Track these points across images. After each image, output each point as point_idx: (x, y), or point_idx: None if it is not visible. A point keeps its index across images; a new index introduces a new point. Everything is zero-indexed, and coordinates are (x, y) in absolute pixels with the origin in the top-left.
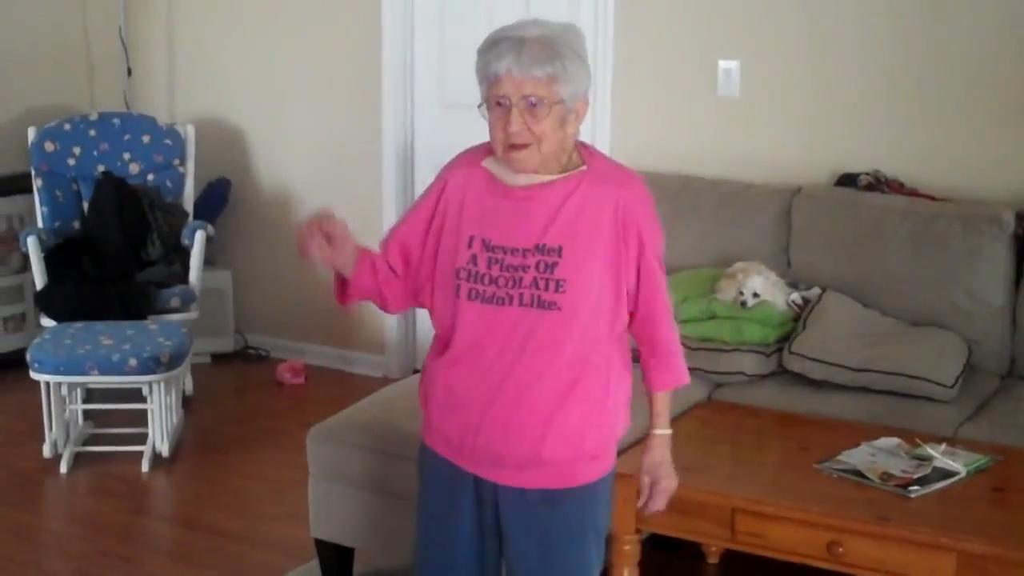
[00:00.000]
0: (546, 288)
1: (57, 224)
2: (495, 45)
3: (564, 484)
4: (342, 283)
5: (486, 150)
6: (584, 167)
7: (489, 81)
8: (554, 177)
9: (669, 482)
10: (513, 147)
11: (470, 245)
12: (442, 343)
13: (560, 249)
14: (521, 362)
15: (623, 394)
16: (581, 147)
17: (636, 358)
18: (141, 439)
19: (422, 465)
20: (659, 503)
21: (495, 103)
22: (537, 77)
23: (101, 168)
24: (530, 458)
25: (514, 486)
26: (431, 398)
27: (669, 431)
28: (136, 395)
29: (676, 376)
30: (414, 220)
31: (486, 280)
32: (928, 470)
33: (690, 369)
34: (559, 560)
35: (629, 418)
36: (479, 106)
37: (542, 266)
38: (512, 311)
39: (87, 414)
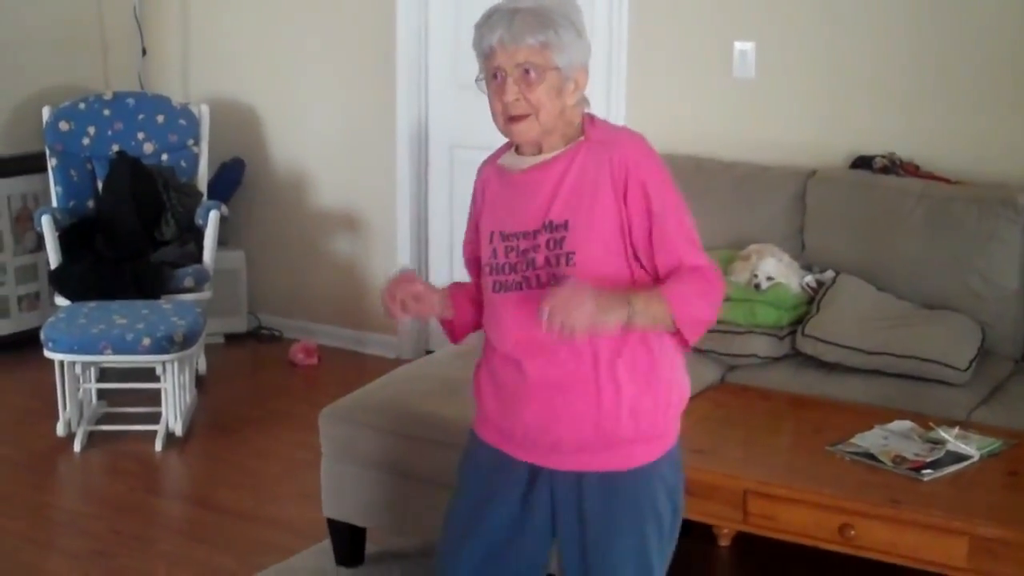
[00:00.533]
0: (558, 264)
1: (71, 204)
2: (488, 18)
3: (622, 466)
4: (449, 325)
5: (505, 148)
6: (582, 138)
7: (484, 54)
8: (553, 154)
9: (572, 296)
10: (512, 119)
11: (491, 240)
12: (488, 338)
13: (566, 223)
14: (553, 343)
15: (675, 365)
16: (587, 120)
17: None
18: (154, 418)
19: (468, 453)
20: (549, 308)
21: (492, 75)
22: (530, 45)
23: (115, 148)
24: (585, 440)
25: (571, 470)
26: (483, 390)
27: (623, 311)
28: (149, 374)
29: (669, 290)
30: (471, 231)
31: (506, 269)
32: (941, 454)
33: (703, 351)
34: (617, 547)
35: (688, 389)
36: (477, 80)
37: (551, 243)
38: (532, 293)
39: (101, 393)
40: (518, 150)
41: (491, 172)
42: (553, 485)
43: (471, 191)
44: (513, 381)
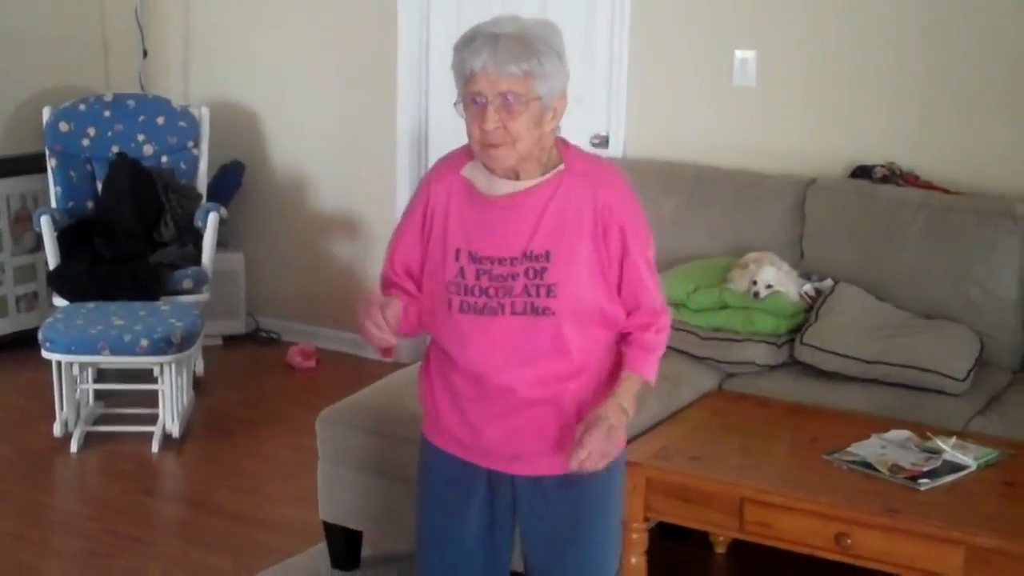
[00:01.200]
0: (537, 294)
1: (71, 204)
2: (470, 42)
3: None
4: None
5: (465, 156)
6: (562, 167)
7: (465, 78)
8: (534, 182)
9: (605, 442)
10: (488, 145)
11: (457, 258)
12: (442, 350)
13: (548, 254)
14: (523, 368)
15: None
16: (561, 145)
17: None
18: (151, 420)
19: (427, 464)
20: (587, 454)
21: (471, 100)
22: (513, 73)
23: (115, 149)
24: (546, 449)
25: (532, 474)
26: (438, 401)
27: (628, 407)
28: (147, 376)
29: (641, 367)
30: (409, 239)
31: (476, 292)
32: (938, 463)
33: (701, 358)
34: (582, 539)
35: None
36: (455, 104)
37: (531, 272)
38: (505, 320)
39: (98, 394)
40: (488, 169)
41: (455, 185)
42: (515, 488)
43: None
44: (474, 395)
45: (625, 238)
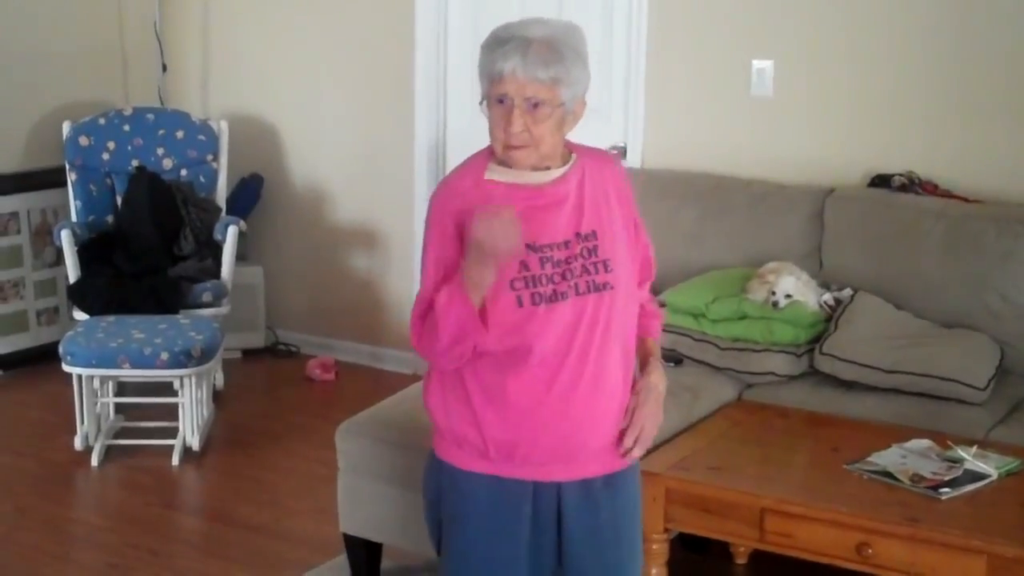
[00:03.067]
0: (596, 271)
1: (91, 218)
2: (502, 44)
3: (621, 465)
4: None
5: (478, 166)
6: (574, 155)
7: (492, 79)
8: (566, 169)
9: (659, 415)
10: (511, 147)
11: None
12: (499, 360)
13: (595, 232)
14: (595, 349)
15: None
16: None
17: None
18: (172, 433)
19: (463, 495)
20: (640, 429)
21: (497, 101)
22: (541, 80)
23: (135, 163)
24: (604, 443)
25: (578, 479)
26: (481, 419)
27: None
28: (167, 389)
29: (657, 330)
30: (450, 259)
31: (543, 280)
32: (959, 472)
33: (720, 369)
34: (626, 538)
35: None
36: (480, 103)
37: (586, 252)
38: (574, 302)
39: (118, 407)
40: (503, 163)
41: (486, 190)
42: (561, 497)
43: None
44: (539, 397)
45: (634, 211)
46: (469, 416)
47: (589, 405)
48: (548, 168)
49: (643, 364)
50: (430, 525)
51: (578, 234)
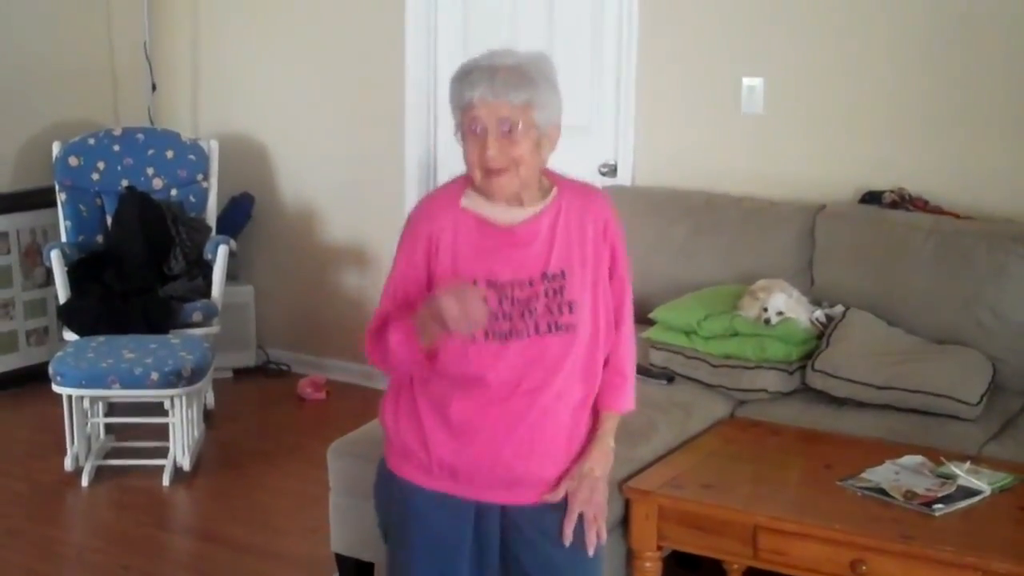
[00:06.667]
0: (559, 312)
1: (81, 238)
2: (467, 74)
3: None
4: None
5: (457, 189)
6: (555, 189)
7: (462, 108)
8: (542, 206)
9: (596, 499)
10: (491, 172)
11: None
12: (444, 383)
13: (563, 273)
14: (544, 386)
15: None
16: (545, 172)
17: None
18: (162, 453)
19: (411, 510)
20: (576, 517)
21: (470, 129)
22: (513, 103)
23: (125, 183)
24: (549, 475)
25: (524, 503)
26: (427, 435)
27: (610, 447)
28: (158, 409)
29: (618, 400)
30: (409, 270)
31: (500, 317)
32: (952, 488)
33: (712, 386)
34: (576, 556)
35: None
36: (454, 134)
37: (551, 292)
38: (530, 341)
39: (109, 428)
40: (481, 193)
41: (457, 219)
42: (504, 518)
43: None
44: (485, 422)
45: (616, 258)
46: (418, 432)
47: (537, 436)
48: (522, 204)
49: (591, 438)
50: (381, 530)
51: (544, 274)
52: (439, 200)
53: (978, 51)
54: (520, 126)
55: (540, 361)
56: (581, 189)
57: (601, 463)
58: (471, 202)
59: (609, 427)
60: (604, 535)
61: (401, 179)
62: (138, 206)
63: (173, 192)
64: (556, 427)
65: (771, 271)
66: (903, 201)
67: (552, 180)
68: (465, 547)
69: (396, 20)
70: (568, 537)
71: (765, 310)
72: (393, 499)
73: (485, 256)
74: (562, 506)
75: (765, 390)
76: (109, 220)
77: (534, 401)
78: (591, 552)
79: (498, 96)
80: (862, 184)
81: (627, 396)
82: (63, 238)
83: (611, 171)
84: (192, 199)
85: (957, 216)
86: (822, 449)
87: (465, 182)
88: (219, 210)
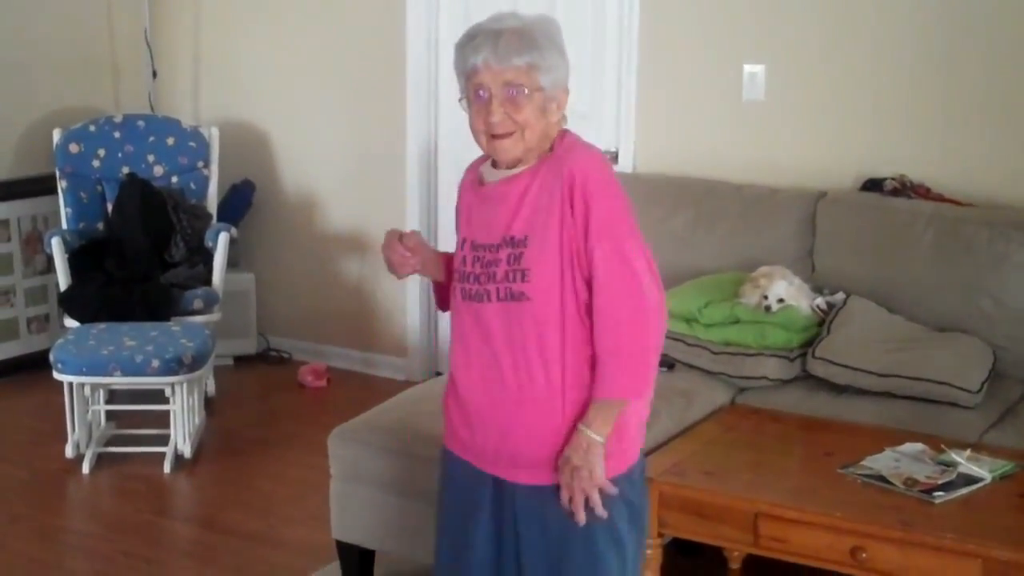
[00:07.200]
0: (514, 279)
1: (81, 225)
2: (471, 39)
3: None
4: (440, 291)
5: (483, 157)
6: (548, 153)
7: (467, 73)
8: (520, 169)
9: (578, 484)
10: (496, 136)
11: (462, 247)
12: (456, 351)
13: (526, 239)
14: (512, 358)
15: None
16: (559, 136)
17: None
18: (163, 440)
19: (444, 469)
20: (567, 500)
21: (475, 95)
22: (516, 65)
23: (125, 170)
24: (542, 455)
25: (530, 483)
26: (449, 404)
27: (596, 436)
28: (159, 396)
29: (599, 384)
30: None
31: (471, 279)
32: (953, 476)
33: (713, 373)
34: (573, 558)
35: (646, 409)
36: (460, 100)
37: (511, 258)
38: (492, 306)
39: (110, 415)
40: (494, 163)
41: (471, 179)
42: (515, 498)
43: None
44: (473, 393)
45: (588, 219)
46: (446, 401)
47: (518, 415)
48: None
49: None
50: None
51: (506, 238)
52: (472, 165)
53: (980, 38)
54: (525, 90)
55: (501, 331)
56: (568, 152)
57: (578, 452)
58: (484, 167)
59: (591, 416)
60: (600, 511)
61: (402, 166)
62: (139, 193)
63: (174, 179)
64: (535, 407)
65: (772, 258)
66: (904, 188)
67: (555, 146)
68: (483, 516)
69: (398, 8)
70: (571, 515)
71: (766, 297)
72: (440, 468)
73: (472, 215)
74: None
75: (766, 377)
76: (110, 207)
77: (505, 374)
78: (580, 521)
79: (501, 61)
80: (863, 171)
81: (608, 380)
82: (64, 225)
83: (612, 158)
84: (193, 186)
85: (958, 203)
86: (823, 436)
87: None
88: (220, 197)
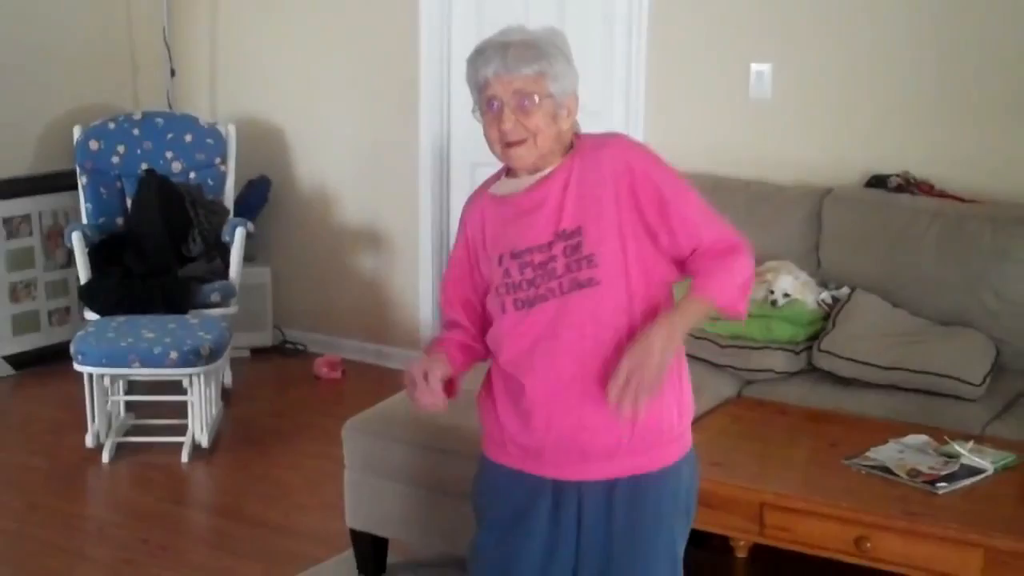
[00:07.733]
0: (579, 268)
1: (101, 220)
2: (481, 53)
3: (647, 468)
4: (449, 385)
5: (489, 182)
6: (573, 150)
7: (479, 86)
8: (550, 169)
9: (644, 370)
10: (509, 144)
11: (501, 262)
12: (499, 359)
13: (579, 229)
14: (580, 349)
15: (683, 372)
16: (576, 137)
17: None
18: (181, 430)
19: (486, 481)
20: (624, 378)
21: (487, 106)
22: (525, 74)
23: (144, 166)
24: (614, 446)
25: (600, 479)
26: (498, 411)
27: (678, 320)
28: (177, 387)
29: (706, 284)
30: (459, 273)
31: (524, 286)
32: (956, 467)
33: (720, 366)
34: (648, 548)
35: (692, 396)
36: (473, 111)
37: (568, 250)
38: (554, 304)
39: (129, 405)
40: (509, 174)
41: (484, 205)
42: (581, 498)
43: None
44: (539, 398)
45: (656, 185)
46: (493, 411)
47: (594, 404)
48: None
49: None
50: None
51: (558, 232)
52: (474, 195)
53: (984, 37)
54: (535, 97)
55: (568, 322)
56: (598, 141)
57: (659, 333)
58: (497, 187)
59: (683, 305)
60: (641, 409)
61: (416, 161)
62: (157, 189)
63: (192, 175)
64: (602, 393)
65: (778, 253)
66: (909, 185)
67: (576, 143)
68: (539, 524)
69: (411, 5)
70: (611, 399)
71: (772, 292)
72: (482, 480)
73: (505, 229)
74: (638, 487)
75: (772, 370)
76: (129, 203)
77: (574, 367)
78: (613, 402)
79: (511, 70)
80: (868, 168)
81: (718, 284)
82: (84, 220)
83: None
84: (210, 182)
85: (962, 200)
86: (828, 428)
87: (498, 175)
88: (236, 193)
